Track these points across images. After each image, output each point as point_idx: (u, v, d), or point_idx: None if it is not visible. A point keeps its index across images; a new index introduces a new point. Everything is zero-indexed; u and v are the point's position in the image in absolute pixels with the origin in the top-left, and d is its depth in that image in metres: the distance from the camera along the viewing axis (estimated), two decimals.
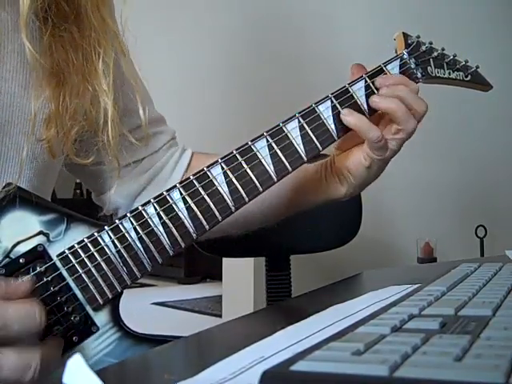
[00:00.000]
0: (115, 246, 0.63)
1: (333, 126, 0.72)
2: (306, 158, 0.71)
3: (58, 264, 0.61)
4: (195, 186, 0.66)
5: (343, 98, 0.73)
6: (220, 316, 2.24)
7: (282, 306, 0.83)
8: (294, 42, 2.18)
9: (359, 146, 0.75)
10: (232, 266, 2.08)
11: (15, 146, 0.69)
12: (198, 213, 0.66)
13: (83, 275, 0.62)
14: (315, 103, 0.73)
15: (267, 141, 0.70)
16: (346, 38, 2.10)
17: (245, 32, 2.21)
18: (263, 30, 2.19)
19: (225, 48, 2.23)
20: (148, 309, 2.99)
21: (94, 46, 0.72)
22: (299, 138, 0.71)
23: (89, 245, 0.62)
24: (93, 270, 0.62)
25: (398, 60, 0.78)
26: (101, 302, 0.62)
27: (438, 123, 2.01)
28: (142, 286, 3.38)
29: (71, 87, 0.70)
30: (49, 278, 0.61)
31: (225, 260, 2.08)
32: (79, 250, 0.62)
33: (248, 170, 0.68)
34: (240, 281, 2.02)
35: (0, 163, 0.68)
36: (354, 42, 2.05)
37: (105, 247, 0.63)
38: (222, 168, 0.67)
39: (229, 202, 0.67)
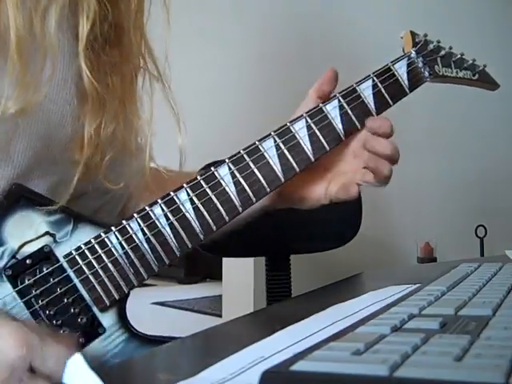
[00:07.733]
0: (122, 247, 0.63)
1: (340, 126, 0.72)
2: (313, 158, 0.71)
3: (65, 265, 0.61)
4: (202, 186, 0.66)
5: (350, 97, 0.73)
6: (220, 316, 2.24)
7: (282, 305, 0.83)
8: (304, 42, 2.17)
9: (321, 181, 0.75)
10: (232, 266, 2.07)
11: (53, 167, 0.65)
12: (205, 213, 0.66)
13: (90, 276, 0.61)
14: (322, 103, 0.72)
15: (274, 141, 0.69)
16: (360, 40, 2.09)
17: (260, 34, 2.20)
18: (271, 32, 2.19)
19: (237, 48, 2.23)
20: (148, 308, 2.98)
21: (132, 70, 0.72)
22: (306, 137, 0.70)
23: (96, 246, 0.62)
24: (100, 271, 0.62)
25: (406, 59, 0.78)
26: (107, 303, 0.62)
27: (438, 123, 2.01)
28: (142, 285, 3.37)
29: (109, 112, 0.68)
30: (55, 280, 0.60)
31: (225, 260, 2.07)
32: (86, 251, 0.62)
33: (255, 170, 0.68)
34: (240, 281, 2.02)
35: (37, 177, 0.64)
36: (365, 43, 2.04)
37: (112, 248, 0.62)
38: (230, 168, 0.67)
39: (236, 202, 0.67)
